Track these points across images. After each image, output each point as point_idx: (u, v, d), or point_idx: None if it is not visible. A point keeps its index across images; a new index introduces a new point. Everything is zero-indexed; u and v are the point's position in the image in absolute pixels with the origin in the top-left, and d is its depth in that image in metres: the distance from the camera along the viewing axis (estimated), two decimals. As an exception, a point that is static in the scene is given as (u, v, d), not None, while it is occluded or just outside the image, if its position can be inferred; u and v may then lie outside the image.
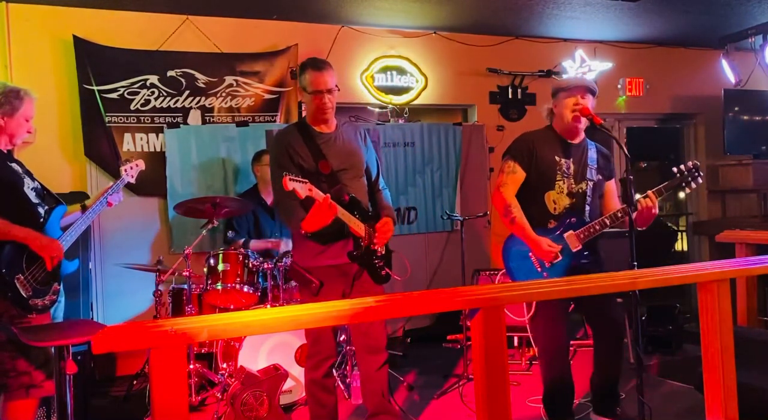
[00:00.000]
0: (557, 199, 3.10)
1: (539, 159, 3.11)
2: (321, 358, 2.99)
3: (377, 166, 3.17)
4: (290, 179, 2.62)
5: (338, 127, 3.03)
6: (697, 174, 3.05)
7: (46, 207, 2.85)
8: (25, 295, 2.65)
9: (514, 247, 3.11)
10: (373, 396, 3.07)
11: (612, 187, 3.28)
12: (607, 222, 3.01)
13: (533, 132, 3.27)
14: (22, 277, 2.66)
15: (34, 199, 2.81)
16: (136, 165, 3.34)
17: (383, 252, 3.03)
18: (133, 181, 3.31)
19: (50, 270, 2.73)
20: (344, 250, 2.91)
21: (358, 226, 2.88)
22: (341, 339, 4.45)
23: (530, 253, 3.06)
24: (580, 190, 3.11)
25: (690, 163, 3.07)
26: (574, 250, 3.04)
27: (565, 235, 3.05)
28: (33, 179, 2.89)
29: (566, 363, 3.17)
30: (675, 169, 3.07)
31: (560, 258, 3.03)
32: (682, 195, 6.93)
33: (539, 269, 3.05)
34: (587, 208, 3.11)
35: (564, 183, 3.10)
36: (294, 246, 3.08)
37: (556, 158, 3.12)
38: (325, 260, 2.91)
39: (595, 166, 3.15)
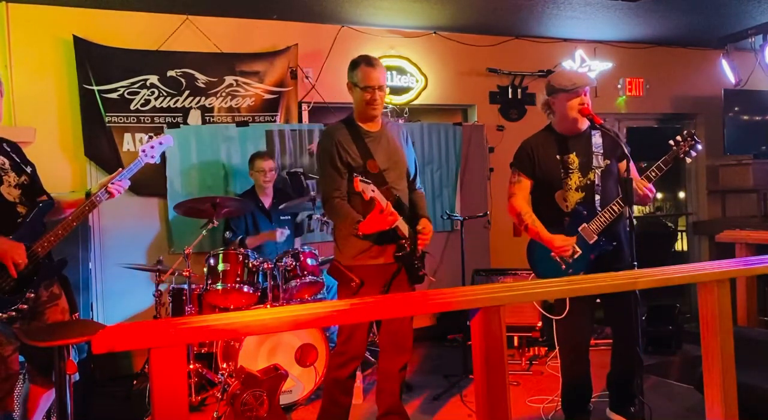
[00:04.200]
0: (567, 197, 3.11)
1: (540, 163, 3.14)
2: (348, 358, 2.99)
3: (415, 166, 3.21)
4: (360, 180, 2.67)
5: (383, 126, 3.06)
6: (694, 142, 2.96)
7: (28, 205, 2.66)
8: None
9: (538, 249, 3.15)
10: (389, 395, 3.09)
11: (626, 166, 3.16)
12: (616, 209, 3.00)
13: (532, 137, 3.26)
14: None
15: (14, 199, 2.62)
16: (160, 143, 2.99)
17: (420, 253, 3.05)
18: (153, 161, 3.00)
19: (15, 277, 2.53)
20: (387, 251, 2.94)
21: (404, 227, 2.92)
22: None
23: (552, 253, 3.09)
24: (588, 181, 3.09)
25: (685, 132, 2.98)
26: (591, 242, 3.05)
27: (580, 229, 3.06)
28: (21, 172, 2.68)
29: (585, 360, 3.19)
30: (671, 142, 2.99)
31: (579, 252, 3.05)
32: (682, 195, 6.93)
33: (563, 267, 3.08)
34: (597, 197, 3.08)
35: (570, 179, 3.10)
36: (337, 244, 3.06)
37: (558, 157, 3.12)
38: (367, 259, 2.94)
39: (601, 151, 3.09)
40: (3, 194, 2.61)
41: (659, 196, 3.29)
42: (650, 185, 2.98)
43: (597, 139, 3.12)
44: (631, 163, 3.13)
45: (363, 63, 2.96)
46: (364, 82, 2.93)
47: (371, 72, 2.93)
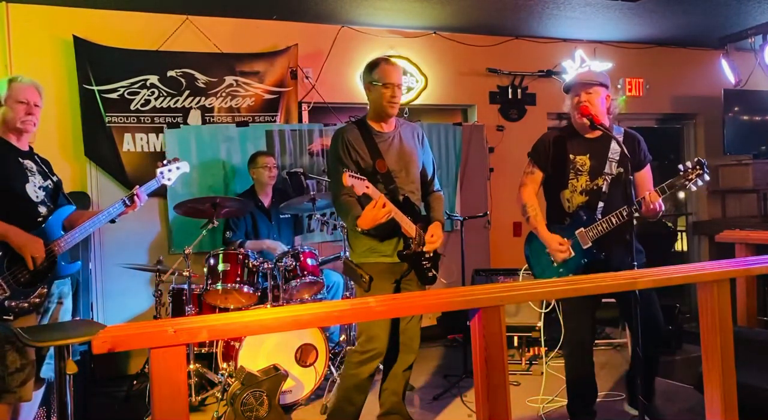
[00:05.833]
0: (571, 198, 3.12)
1: (554, 158, 3.15)
2: (370, 357, 2.96)
3: (433, 168, 3.22)
4: (350, 175, 2.69)
5: (397, 127, 3.09)
6: (702, 171, 2.94)
7: (50, 207, 2.79)
8: None
9: (535, 241, 3.19)
10: (391, 394, 3.11)
11: (643, 177, 3.16)
12: (614, 221, 2.96)
13: (553, 130, 3.30)
14: (0, 278, 2.57)
15: (37, 198, 2.75)
16: (177, 168, 3.18)
17: (432, 254, 3.06)
18: (169, 183, 3.20)
19: (32, 269, 2.63)
20: (395, 249, 2.96)
21: (409, 227, 2.93)
22: (341, 339, 4.45)
23: (547, 249, 3.11)
24: (596, 187, 3.08)
25: (694, 161, 2.95)
26: (585, 248, 3.05)
27: (576, 232, 3.06)
28: (46, 178, 2.84)
29: (589, 359, 3.18)
30: (680, 167, 2.97)
31: (572, 255, 3.05)
32: (681, 195, 6.93)
33: (555, 264, 3.10)
34: (600, 205, 3.06)
35: (577, 181, 3.10)
36: (349, 243, 3.12)
37: (571, 156, 3.12)
38: (377, 257, 2.97)
39: (617, 158, 3.05)
40: (28, 192, 2.74)
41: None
42: (659, 200, 2.93)
43: (616, 145, 3.03)
44: (649, 174, 3.14)
45: (383, 62, 3.02)
46: (385, 79, 2.96)
47: (392, 69, 3.00)
